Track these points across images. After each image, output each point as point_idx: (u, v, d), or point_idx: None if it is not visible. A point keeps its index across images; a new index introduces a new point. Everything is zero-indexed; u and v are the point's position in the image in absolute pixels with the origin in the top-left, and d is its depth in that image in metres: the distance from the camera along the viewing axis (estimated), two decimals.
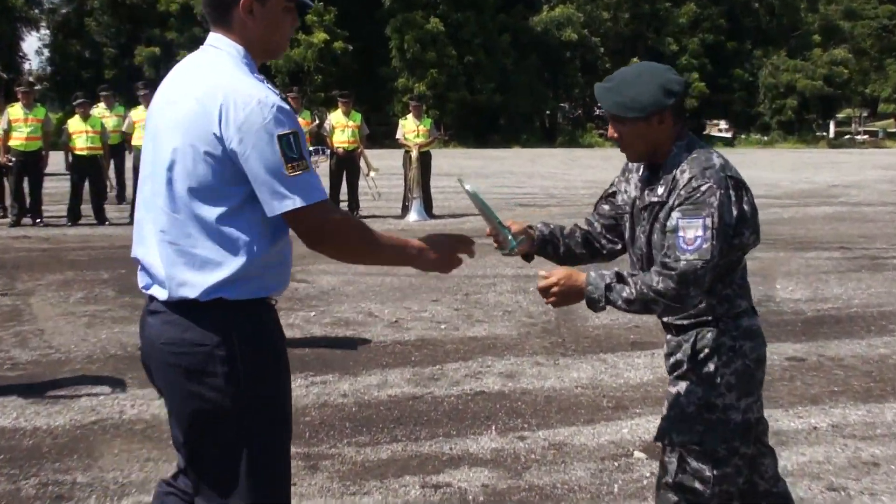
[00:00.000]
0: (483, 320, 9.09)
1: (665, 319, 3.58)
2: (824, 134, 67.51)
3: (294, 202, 2.77)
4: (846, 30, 64.81)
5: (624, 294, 3.30)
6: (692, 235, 3.20)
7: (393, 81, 53.08)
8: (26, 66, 57.62)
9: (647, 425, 6.09)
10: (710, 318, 3.45)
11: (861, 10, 67.06)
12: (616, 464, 5.44)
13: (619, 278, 3.33)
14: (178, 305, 2.91)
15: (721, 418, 3.43)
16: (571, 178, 29.62)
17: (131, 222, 14.61)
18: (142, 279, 3.05)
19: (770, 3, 62.10)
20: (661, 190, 3.39)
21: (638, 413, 6.34)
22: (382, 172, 20.91)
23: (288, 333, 8.09)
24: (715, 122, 74.11)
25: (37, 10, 56.12)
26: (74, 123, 16.38)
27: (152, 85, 21.32)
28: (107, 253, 12.93)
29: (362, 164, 17.73)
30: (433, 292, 10.42)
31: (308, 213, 2.80)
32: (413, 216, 17.24)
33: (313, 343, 8.15)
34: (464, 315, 9.31)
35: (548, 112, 63.54)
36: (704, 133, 67.71)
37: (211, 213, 2.84)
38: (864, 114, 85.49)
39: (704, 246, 3.18)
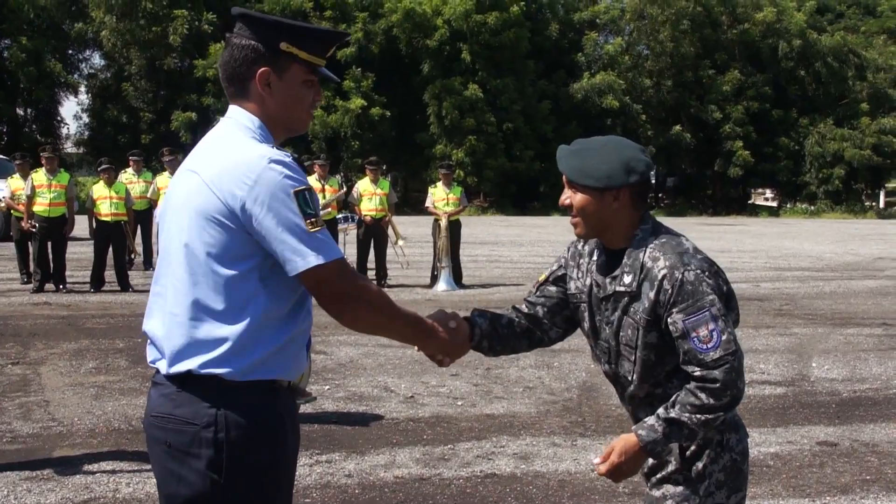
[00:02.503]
0: (502, 397, 8.94)
1: (641, 416, 3.32)
2: (873, 204, 66.97)
3: (318, 258, 2.74)
4: (895, 98, 64.49)
5: (685, 432, 3.12)
6: (705, 333, 3.07)
7: (431, 148, 53.29)
8: (64, 130, 58.67)
9: None
10: None
11: None
12: None
13: (668, 422, 3.12)
14: (175, 379, 2.85)
15: None
16: None
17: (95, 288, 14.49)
18: (150, 353, 3.00)
19: (816, 71, 61.97)
20: (627, 279, 3.22)
21: None
22: (414, 240, 20.91)
23: (299, 408, 8.00)
24: (760, 191, 73.78)
25: (76, 76, 57.24)
26: (99, 189, 16.51)
27: (180, 151, 21.61)
28: (126, 321, 12.92)
29: (390, 232, 17.71)
30: (454, 366, 10.20)
31: (330, 271, 2.77)
32: (442, 286, 17.14)
33: (323, 419, 8.03)
34: (483, 391, 9.17)
35: None
36: (749, 202, 67.40)
37: (214, 283, 2.80)
38: None
39: (723, 338, 3.07)
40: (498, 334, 3.53)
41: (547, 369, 10.21)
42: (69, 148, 58.32)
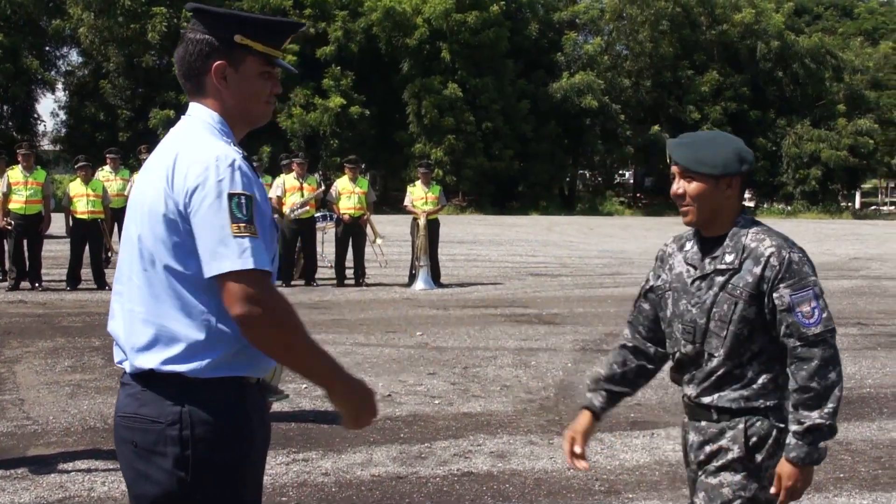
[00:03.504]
0: (479, 395, 8.94)
1: (707, 401, 3.46)
2: (849, 205, 67.37)
3: (232, 264, 2.64)
4: (872, 100, 64.78)
5: (824, 430, 3.24)
6: (808, 309, 3.26)
7: (410, 147, 53.22)
8: (41, 128, 58.29)
9: None
10: (762, 404, 3.38)
11: (887, 81, 67.09)
12: None
13: (804, 433, 3.24)
14: (140, 378, 2.82)
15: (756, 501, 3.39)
16: (587, 247, 29.50)
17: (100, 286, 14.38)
18: (116, 354, 2.96)
19: (794, 72, 62.21)
20: (729, 258, 3.40)
21: (631, 498, 6.16)
22: (392, 239, 20.90)
23: (276, 406, 8.01)
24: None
25: (53, 73, 56.85)
26: (75, 187, 16.42)
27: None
28: (102, 319, 12.80)
29: (369, 231, 17.68)
30: (431, 365, 10.29)
31: (244, 278, 2.64)
32: (420, 284, 17.13)
33: (300, 417, 8.02)
34: (460, 389, 9.17)
35: (567, 179, 63.63)
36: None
37: (169, 280, 2.76)
38: (892, 185, 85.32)
39: (823, 315, 3.26)
40: (617, 395, 3.82)
41: (524, 368, 10.21)
42: (46, 145, 57.93)
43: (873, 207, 72.49)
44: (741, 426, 3.38)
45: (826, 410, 3.20)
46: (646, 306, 3.73)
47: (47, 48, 56.89)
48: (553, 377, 9.82)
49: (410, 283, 17.40)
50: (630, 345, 3.78)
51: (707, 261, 3.45)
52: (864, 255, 28.03)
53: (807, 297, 3.25)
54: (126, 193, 17.57)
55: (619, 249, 28.47)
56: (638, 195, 67.22)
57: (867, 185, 78.98)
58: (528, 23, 59.47)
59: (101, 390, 8.82)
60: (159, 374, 2.77)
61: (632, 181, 69.92)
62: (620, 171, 69.75)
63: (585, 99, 56.46)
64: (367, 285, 17.42)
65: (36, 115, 57.76)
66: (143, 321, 2.80)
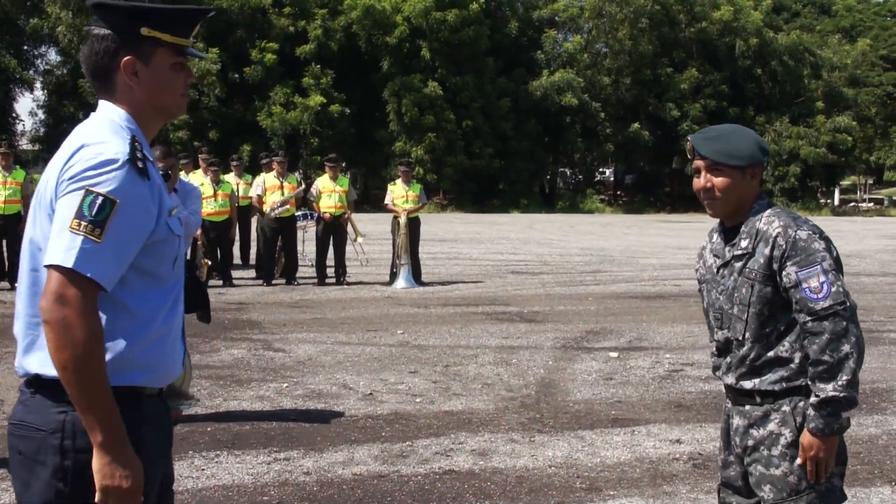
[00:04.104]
0: (460, 394, 8.94)
1: (749, 386, 3.54)
2: (828, 202, 67.69)
3: (54, 256, 2.53)
4: (850, 97, 65.02)
5: (842, 402, 3.30)
6: (816, 284, 3.32)
7: (390, 145, 53.19)
8: (19, 127, 57.97)
9: None
10: (803, 382, 3.45)
11: (865, 78, 67.46)
12: None
13: (821, 405, 3.32)
14: (29, 383, 2.72)
15: (829, 486, 3.45)
16: (568, 244, 29.54)
17: None
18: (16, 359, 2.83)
19: (773, 69, 62.41)
20: (744, 243, 3.51)
21: (612, 496, 6.17)
22: (373, 237, 20.88)
23: (257, 406, 8.00)
24: None
25: (31, 72, 56.54)
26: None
27: None
28: None
29: (349, 229, 17.66)
30: (412, 363, 10.28)
31: (62, 275, 2.52)
32: (401, 283, 17.13)
33: (281, 416, 8.00)
34: (441, 388, 9.16)
35: (547, 177, 63.71)
36: None
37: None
38: (870, 181, 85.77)
39: (833, 289, 3.31)
40: None
41: (505, 366, 10.22)
42: (24, 145, 57.60)
43: (852, 204, 72.80)
44: (786, 408, 3.46)
45: (840, 382, 3.27)
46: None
47: (25, 47, 56.60)
48: (534, 375, 9.83)
49: (391, 282, 17.39)
50: None
51: (727, 249, 3.57)
52: (843, 252, 27.83)
53: (814, 272, 3.32)
54: None
55: (600, 247, 28.52)
56: (618, 193, 67.37)
57: (846, 182, 79.36)
58: (508, 21, 59.50)
59: None
60: (46, 380, 2.66)
61: (612, 179, 70.08)
62: (601, 169, 69.91)
63: (565, 97, 56.54)
64: (348, 284, 17.40)
65: (14, 115, 57.50)
66: (30, 325, 2.72)
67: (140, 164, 2.70)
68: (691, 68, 60.36)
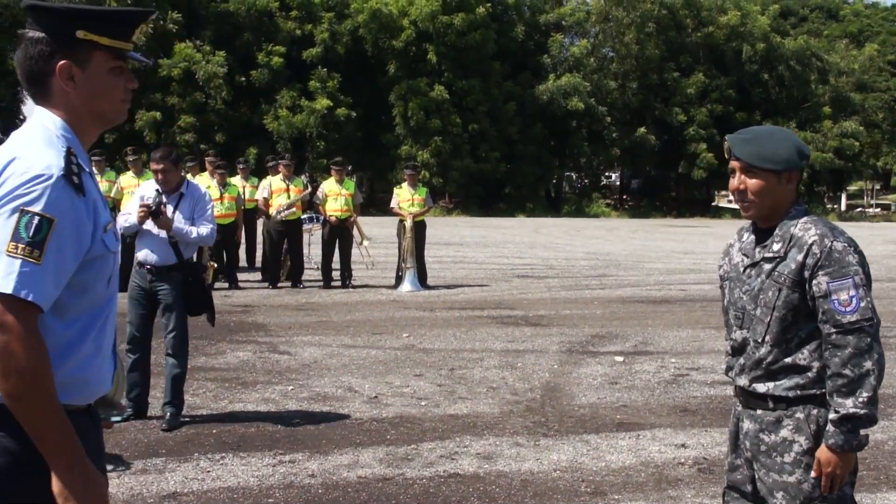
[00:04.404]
0: (466, 397, 8.93)
1: (762, 389, 3.52)
2: (835, 207, 67.59)
3: (6, 280, 2.42)
4: (857, 102, 64.98)
5: (862, 418, 3.30)
6: (846, 297, 3.29)
7: (396, 148, 53.21)
8: None
9: None
10: (818, 390, 3.43)
11: (872, 83, 67.41)
12: None
13: (840, 421, 3.31)
14: None
15: (840, 495, 3.45)
16: (573, 248, 29.54)
17: (119, 289, 14.45)
18: None
19: (780, 74, 62.40)
20: (776, 247, 3.48)
21: (616, 500, 6.17)
22: (379, 241, 20.89)
23: (262, 408, 8.01)
24: (724, 193, 74.17)
25: None
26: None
27: (144, 150, 21.20)
28: None
29: (355, 232, 17.66)
30: (418, 366, 10.29)
31: (1, 303, 2.43)
32: (406, 286, 17.13)
33: (287, 419, 8.00)
34: (446, 391, 9.16)
35: (553, 181, 63.69)
36: (713, 204, 67.79)
37: None
38: (877, 186, 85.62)
39: (862, 304, 3.28)
40: None
41: (511, 370, 10.22)
42: None
43: (859, 209, 72.72)
44: (800, 415, 3.44)
45: (861, 399, 3.26)
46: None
47: None
48: (539, 379, 9.82)
49: (397, 285, 17.39)
50: None
51: (757, 250, 3.55)
52: None
53: (846, 285, 3.29)
54: (112, 195, 17.53)
55: (606, 251, 28.51)
56: (624, 197, 67.35)
57: (853, 188, 79.28)
58: (515, 25, 59.57)
59: None
60: None
61: (618, 183, 70.06)
62: (607, 174, 69.87)
63: (571, 101, 56.58)
64: (354, 287, 17.41)
65: (22, 117, 57.53)
66: None
67: (76, 179, 2.60)
68: (698, 73, 60.36)
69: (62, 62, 2.69)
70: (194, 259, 8.25)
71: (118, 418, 7.58)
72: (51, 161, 2.56)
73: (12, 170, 2.54)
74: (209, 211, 8.14)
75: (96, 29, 2.71)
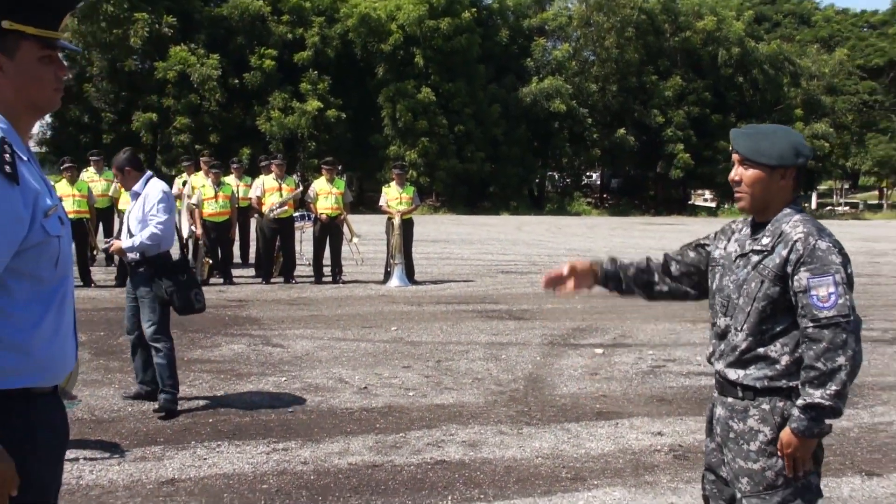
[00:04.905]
0: (452, 388, 8.98)
1: (733, 377, 3.57)
2: (805, 205, 67.75)
3: None
4: (827, 105, 65.19)
5: (826, 409, 3.32)
6: (825, 293, 3.31)
7: (385, 149, 53.12)
8: None
9: (605, 497, 5.99)
10: (784, 384, 3.47)
11: (842, 86, 67.61)
12: None
13: (806, 408, 3.34)
14: None
15: (805, 483, 3.48)
16: (555, 245, 29.57)
17: (118, 284, 14.39)
18: None
19: (754, 78, 62.51)
20: (766, 240, 3.51)
21: (596, 485, 6.22)
22: (368, 238, 20.88)
23: (256, 399, 8.04)
24: (700, 192, 74.36)
25: None
26: (62, 187, 16.30)
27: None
28: (89, 315, 12.79)
29: (345, 230, 17.67)
30: (406, 358, 10.32)
31: None
32: (395, 282, 17.15)
33: (280, 409, 8.03)
34: (433, 382, 9.20)
35: (536, 180, 63.69)
36: (689, 203, 67.89)
37: None
38: (846, 186, 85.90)
39: (839, 301, 3.30)
40: (622, 279, 3.94)
41: (495, 361, 10.27)
42: (31, 147, 57.45)
43: (829, 208, 73.01)
44: (766, 406, 3.48)
45: (829, 392, 3.28)
46: (691, 254, 3.90)
47: None
48: (522, 370, 9.88)
49: (386, 281, 17.41)
50: (654, 261, 3.96)
51: (749, 242, 3.59)
52: None
53: (826, 281, 3.32)
54: (110, 194, 17.54)
55: (587, 248, 28.55)
56: (604, 196, 67.40)
57: (823, 187, 79.50)
58: (499, 29, 59.54)
59: (89, 384, 8.81)
60: None
61: (598, 182, 70.07)
62: (587, 173, 69.86)
63: (554, 103, 56.60)
64: (344, 282, 17.42)
65: None
66: None
67: (8, 168, 2.54)
68: (675, 76, 60.42)
69: None
70: (189, 255, 8.23)
71: (70, 407, 7.58)
72: None
73: None
74: (158, 211, 7.96)
75: (21, 18, 2.65)
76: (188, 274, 8.23)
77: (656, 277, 3.93)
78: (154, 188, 8.15)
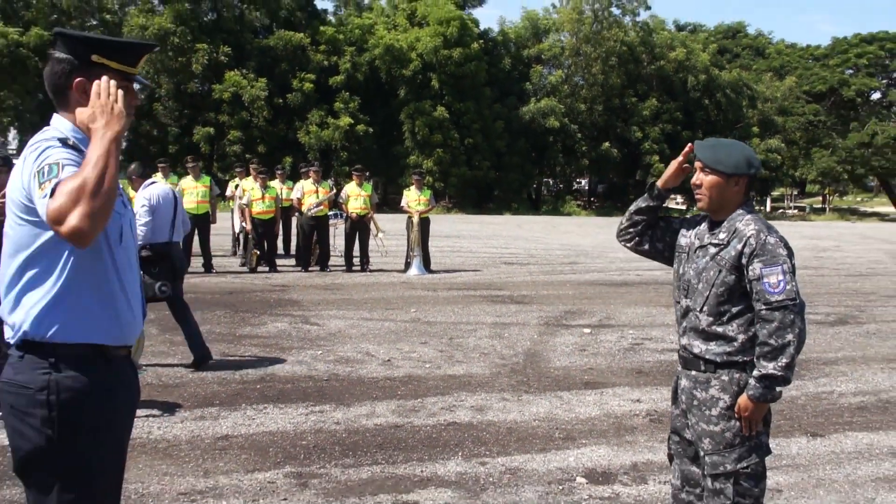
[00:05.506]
0: (462, 361, 8.96)
1: (697, 351, 3.56)
2: (761, 208, 67.41)
3: (45, 203, 2.46)
4: (779, 124, 64.78)
5: (778, 379, 3.34)
6: (775, 280, 3.34)
7: (405, 158, 52.93)
8: None
9: (591, 454, 5.97)
10: (740, 359, 3.47)
11: (791, 108, 67.09)
12: (561, 487, 5.30)
13: (760, 378, 3.35)
14: (17, 347, 2.71)
15: (757, 442, 3.48)
16: (550, 241, 29.51)
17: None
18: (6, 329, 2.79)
19: (718, 100, 62.13)
20: (722, 236, 3.53)
21: (584, 444, 6.20)
22: (390, 234, 20.84)
23: (296, 369, 8.01)
24: (672, 196, 73.99)
25: None
26: (131, 190, 16.30)
27: (201, 159, 21.08)
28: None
29: (372, 226, 17.65)
30: (423, 336, 10.30)
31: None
32: (413, 271, 17.12)
33: (316, 377, 8.03)
34: (446, 356, 9.18)
35: (534, 185, 63.48)
36: (664, 205, 67.56)
37: (20, 255, 2.66)
38: (795, 192, 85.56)
39: (787, 287, 3.33)
40: (655, 217, 3.89)
41: (499, 339, 10.23)
42: None
43: (780, 210, 72.56)
44: (725, 378, 3.48)
45: (780, 364, 3.30)
46: (661, 223, 3.89)
47: None
48: (522, 346, 9.85)
49: (406, 270, 17.38)
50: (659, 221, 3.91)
51: (707, 236, 3.59)
52: None
53: (775, 271, 3.34)
54: None
55: (576, 243, 28.49)
56: (592, 199, 67.16)
57: (776, 193, 79.12)
58: (503, 58, 59.30)
59: (156, 354, 8.80)
60: (31, 344, 2.67)
61: (587, 188, 69.80)
62: (577, 180, 69.57)
63: (549, 120, 56.36)
64: (371, 271, 17.39)
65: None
66: (7, 295, 2.71)
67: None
68: (652, 98, 60.10)
69: (78, 79, 2.74)
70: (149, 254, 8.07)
71: (140, 373, 7.57)
72: (51, 143, 2.63)
73: (31, 154, 2.62)
74: (138, 217, 7.97)
75: (107, 55, 2.76)
76: (160, 268, 8.14)
77: (650, 230, 3.90)
78: (140, 195, 8.35)
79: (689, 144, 3.72)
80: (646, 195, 3.86)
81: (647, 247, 3.88)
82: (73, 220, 2.40)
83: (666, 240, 3.85)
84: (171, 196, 8.56)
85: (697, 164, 3.61)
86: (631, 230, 3.90)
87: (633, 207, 3.90)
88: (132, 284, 2.85)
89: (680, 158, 3.74)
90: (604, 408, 7.23)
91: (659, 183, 3.82)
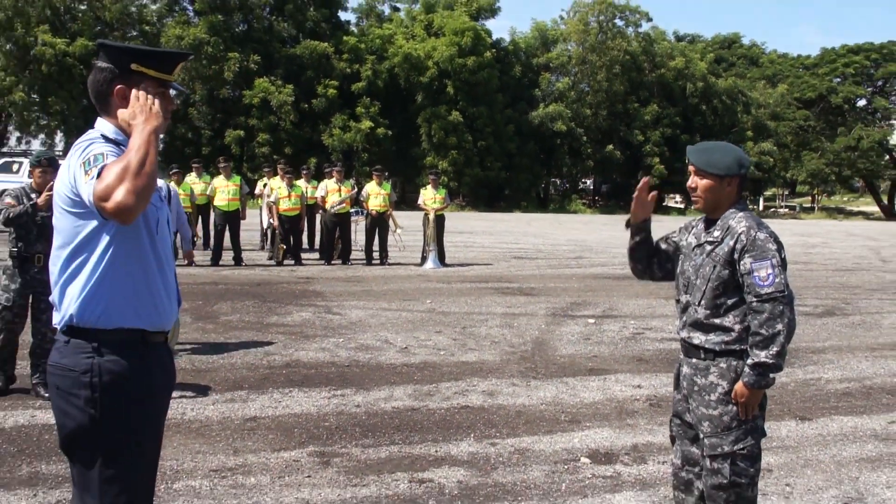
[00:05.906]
0: (474, 348, 8.95)
1: (697, 342, 3.53)
2: (754, 207, 67.09)
3: (91, 184, 2.48)
4: (772, 128, 64.43)
5: (770, 366, 3.32)
6: (765, 274, 3.32)
7: (422, 159, 52.93)
8: None
9: (595, 436, 5.94)
10: (738, 347, 3.44)
11: (783, 113, 66.70)
12: (566, 467, 5.29)
13: (753, 366, 3.33)
14: (63, 332, 2.72)
15: (753, 425, 3.46)
16: (557, 237, 29.45)
17: (212, 263, 14.31)
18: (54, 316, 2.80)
19: (714, 106, 61.84)
20: (716, 233, 3.51)
21: (588, 426, 6.18)
22: (407, 230, 20.84)
23: (319, 356, 8.01)
24: (672, 195, 73.76)
25: None
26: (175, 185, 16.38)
27: (232, 160, 21.14)
28: (189, 288, 12.78)
29: (391, 223, 17.66)
30: (438, 325, 10.29)
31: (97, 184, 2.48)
32: (429, 265, 17.11)
33: (338, 363, 8.03)
34: (459, 344, 9.17)
35: (542, 185, 63.35)
36: (664, 204, 67.38)
37: (67, 247, 2.67)
38: (786, 192, 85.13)
39: (776, 280, 3.31)
40: (651, 253, 3.82)
41: (508, 328, 10.22)
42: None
43: (772, 209, 72.28)
44: (723, 365, 3.45)
45: (772, 352, 3.29)
46: (663, 246, 3.84)
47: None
48: (530, 335, 9.83)
49: (422, 264, 17.37)
50: (661, 249, 3.85)
51: (703, 235, 3.57)
52: None
53: (765, 265, 3.32)
54: (207, 193, 17.57)
55: (582, 239, 28.43)
56: (596, 198, 66.98)
57: (768, 193, 78.70)
58: (514, 66, 59.16)
59: (189, 341, 8.83)
60: (75, 329, 2.69)
61: (592, 187, 69.63)
62: (583, 180, 69.41)
63: (557, 124, 56.23)
64: (389, 265, 17.40)
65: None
66: (56, 282, 2.72)
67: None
68: (653, 104, 59.87)
69: (119, 86, 2.77)
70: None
71: (175, 358, 7.53)
72: (96, 140, 2.69)
73: (77, 151, 2.66)
74: None
75: (146, 63, 2.79)
76: None
77: (654, 258, 3.85)
78: None
79: (644, 179, 3.73)
80: (629, 236, 3.83)
81: (660, 274, 3.86)
82: (119, 195, 2.42)
83: (674, 261, 3.82)
84: (164, 190, 8.55)
85: (691, 169, 3.58)
86: (638, 267, 3.88)
87: (627, 249, 3.87)
88: (168, 274, 2.87)
89: (636, 194, 3.70)
90: (607, 393, 7.20)
91: (631, 220, 3.77)
